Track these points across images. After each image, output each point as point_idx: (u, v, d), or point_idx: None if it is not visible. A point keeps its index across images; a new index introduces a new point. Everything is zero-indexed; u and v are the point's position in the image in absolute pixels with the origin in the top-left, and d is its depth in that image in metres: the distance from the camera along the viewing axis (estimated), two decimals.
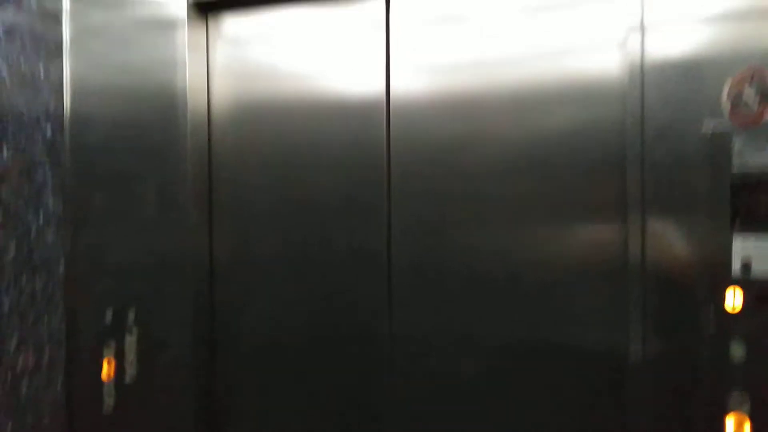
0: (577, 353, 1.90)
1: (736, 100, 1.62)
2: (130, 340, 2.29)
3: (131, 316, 2.28)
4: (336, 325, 2.19)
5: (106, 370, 2.30)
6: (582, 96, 1.87)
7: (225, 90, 2.34)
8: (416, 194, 2.06)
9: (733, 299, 1.63)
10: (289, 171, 2.23)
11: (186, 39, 2.25)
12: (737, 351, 1.63)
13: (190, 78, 2.26)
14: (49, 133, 2.33)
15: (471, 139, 1.99)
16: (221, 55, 2.35)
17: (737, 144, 1.62)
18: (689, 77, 1.67)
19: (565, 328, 1.91)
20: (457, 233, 2.02)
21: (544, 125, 1.91)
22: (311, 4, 2.21)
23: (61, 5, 2.36)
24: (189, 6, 2.25)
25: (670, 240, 1.69)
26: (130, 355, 2.28)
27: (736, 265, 1.62)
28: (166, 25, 2.27)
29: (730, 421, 1.64)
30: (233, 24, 2.34)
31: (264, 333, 2.30)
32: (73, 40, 2.38)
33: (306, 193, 2.21)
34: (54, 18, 2.35)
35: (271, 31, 2.28)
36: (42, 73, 2.31)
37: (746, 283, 1.61)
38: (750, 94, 1.61)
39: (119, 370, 2.29)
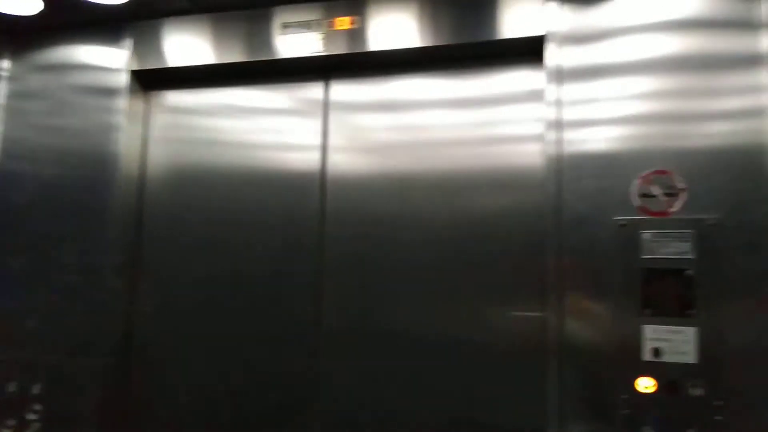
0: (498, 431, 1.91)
1: (645, 195, 1.75)
2: (31, 418, 2.15)
3: (35, 390, 2.16)
4: (264, 399, 2.14)
5: None
6: (506, 183, 1.98)
7: (161, 158, 2.35)
8: (348, 268, 2.09)
9: (645, 383, 1.69)
10: (221, 240, 2.23)
11: (124, 107, 2.27)
12: None
13: (126, 144, 2.27)
14: None
15: (402, 218, 2.06)
16: (160, 124, 2.38)
17: (646, 235, 1.73)
18: (602, 172, 1.79)
19: (485, 406, 1.93)
20: (387, 309, 2.05)
21: (470, 208, 2.00)
22: (254, 87, 2.29)
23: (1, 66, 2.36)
24: (130, 77, 2.28)
25: (585, 324, 1.76)
26: None
27: (646, 350, 1.70)
28: (106, 93, 2.30)
29: None
30: (175, 97, 2.39)
31: (182, 418, 2.21)
32: (9, 101, 2.36)
33: (237, 264, 2.20)
34: None
35: (212, 106, 2.33)
36: None
37: (656, 367, 1.69)
38: (657, 190, 1.74)
39: None
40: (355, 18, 2.06)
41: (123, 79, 2.28)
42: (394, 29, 2.02)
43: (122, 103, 2.28)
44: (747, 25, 1.73)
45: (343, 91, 2.18)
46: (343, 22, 2.06)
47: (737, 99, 1.71)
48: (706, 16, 1.77)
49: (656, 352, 1.68)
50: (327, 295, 2.09)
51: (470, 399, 1.93)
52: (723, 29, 1.75)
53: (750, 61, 1.71)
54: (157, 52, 2.27)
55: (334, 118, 2.17)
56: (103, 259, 2.20)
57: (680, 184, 1.71)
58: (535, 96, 1.95)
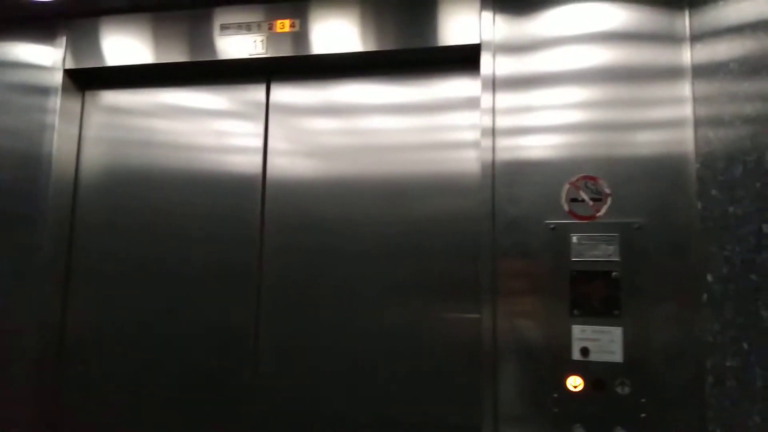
0: (434, 430, 1.93)
1: (574, 200, 1.81)
2: None
3: None
4: (199, 402, 2.10)
5: None
6: (445, 188, 2.02)
7: (97, 159, 2.30)
8: (287, 271, 2.08)
9: (573, 381, 1.74)
10: (159, 241, 2.19)
11: (58, 107, 2.21)
12: (577, 430, 1.73)
13: (59, 145, 2.21)
14: None
15: (342, 220, 2.06)
16: (96, 124, 2.32)
17: (574, 238, 1.79)
18: (534, 178, 1.85)
19: (423, 407, 1.95)
20: (326, 311, 2.04)
21: (409, 212, 2.03)
22: (194, 88, 2.26)
23: None
24: (65, 77, 2.23)
25: (518, 325, 1.80)
26: None
27: (575, 350, 1.75)
28: (39, 92, 2.24)
29: None
30: (111, 97, 2.34)
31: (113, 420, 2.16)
32: None
33: (174, 266, 2.16)
34: None
35: (150, 107, 2.29)
36: None
37: (584, 366, 1.74)
38: (585, 195, 1.81)
39: None
40: (296, 21, 2.07)
41: (57, 78, 2.23)
42: (335, 33, 2.04)
43: (56, 102, 2.21)
44: (670, 38, 1.82)
45: (284, 94, 2.18)
46: (284, 25, 2.07)
47: (661, 110, 1.79)
48: (632, 29, 1.85)
49: (584, 351, 1.73)
50: (265, 301, 2.07)
51: (409, 399, 1.94)
52: (648, 42, 1.83)
53: (673, 73, 1.80)
54: (94, 50, 2.22)
55: (274, 121, 2.16)
56: (35, 263, 2.13)
57: (606, 189, 1.78)
58: (473, 104, 1.99)
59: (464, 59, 2.00)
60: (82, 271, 2.24)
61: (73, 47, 2.24)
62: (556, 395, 1.75)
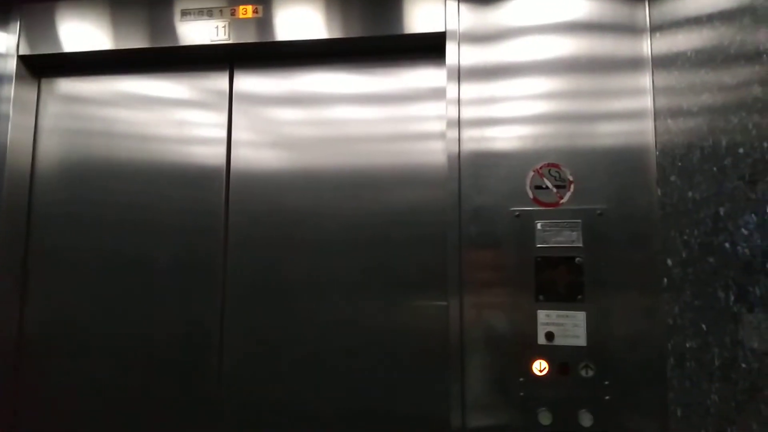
0: (403, 420, 1.93)
1: (538, 187, 1.83)
2: None
3: None
4: (164, 398, 2.06)
5: None
6: (410, 179, 2.02)
7: (54, 148, 2.23)
8: (253, 263, 2.06)
9: (539, 365, 1.77)
10: (119, 235, 2.14)
11: (12, 95, 2.13)
12: (545, 415, 1.75)
13: (14, 135, 2.13)
14: None
15: (308, 212, 2.05)
16: (52, 113, 2.25)
17: (539, 225, 1.81)
18: (499, 167, 1.87)
19: (392, 396, 1.95)
20: (292, 303, 2.02)
21: (376, 203, 2.02)
22: (154, 75, 2.21)
23: None
24: (19, 63, 2.15)
25: (484, 312, 1.82)
26: None
27: (541, 335, 1.78)
28: None
29: None
30: (68, 85, 2.26)
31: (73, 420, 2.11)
32: None
33: (137, 259, 2.11)
34: None
35: (109, 95, 2.23)
36: None
37: (549, 350, 1.77)
38: (549, 182, 1.83)
39: None
40: (260, 6, 2.04)
41: (10, 65, 2.15)
42: (300, 20, 2.02)
43: (10, 90, 2.13)
44: (631, 29, 1.85)
45: (248, 82, 2.14)
46: (247, 11, 2.03)
47: (622, 101, 1.82)
48: (594, 20, 1.87)
49: (549, 336, 1.76)
50: (230, 293, 2.04)
51: (376, 390, 1.94)
52: (609, 33, 1.86)
53: (634, 64, 1.83)
54: (49, 36, 2.15)
55: (238, 111, 2.12)
56: None
57: (570, 177, 1.81)
58: (439, 94, 2.00)
59: (430, 48, 2.01)
60: (40, 265, 2.17)
61: (28, 32, 2.16)
62: (522, 380, 1.77)
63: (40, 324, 2.16)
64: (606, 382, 1.73)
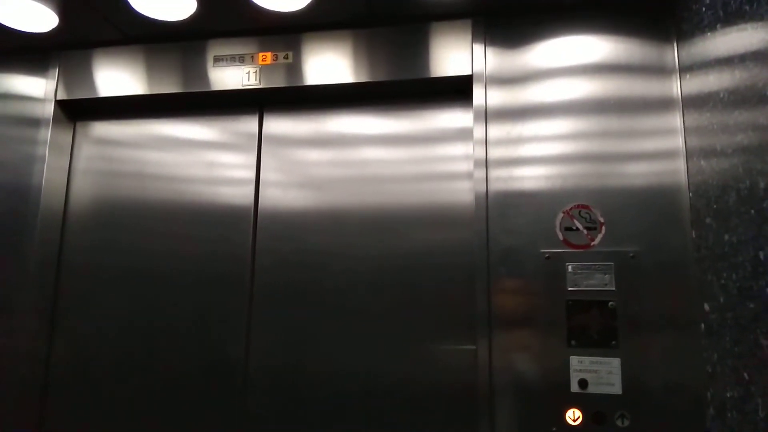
0: None
1: (568, 229, 1.80)
2: None
3: None
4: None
5: None
6: (437, 220, 2.00)
7: (87, 190, 2.27)
8: (278, 304, 2.04)
9: (572, 414, 1.71)
10: (147, 275, 2.15)
11: (48, 138, 2.19)
12: None
13: (49, 176, 2.19)
14: None
15: (334, 252, 2.04)
16: (87, 155, 2.31)
17: (570, 267, 1.78)
18: (527, 207, 1.84)
19: None
20: (317, 345, 2.00)
21: (402, 244, 2.00)
22: (186, 119, 2.26)
23: None
24: (56, 107, 2.22)
25: (514, 356, 1.77)
26: None
27: (573, 382, 1.72)
28: (30, 124, 2.23)
29: None
30: (102, 128, 2.33)
31: None
32: None
33: (164, 301, 2.12)
34: None
35: (142, 138, 2.28)
36: None
37: (583, 398, 1.71)
38: (579, 224, 1.80)
39: None
40: (289, 53, 2.08)
41: (48, 109, 2.22)
42: (327, 64, 2.05)
43: (47, 134, 2.20)
44: (659, 70, 1.85)
45: (276, 125, 2.18)
46: (277, 57, 2.08)
47: (653, 141, 1.80)
48: (621, 62, 1.87)
49: (583, 383, 1.70)
50: (255, 333, 2.03)
51: None
52: (638, 74, 1.86)
53: (664, 104, 1.82)
54: (85, 81, 2.22)
55: (267, 152, 2.15)
56: (21, 298, 2.08)
57: (600, 218, 1.78)
58: (465, 135, 2.00)
59: (456, 90, 2.02)
60: (69, 307, 2.19)
61: (65, 78, 2.24)
62: (554, 429, 1.71)
63: (66, 364, 2.17)
64: None
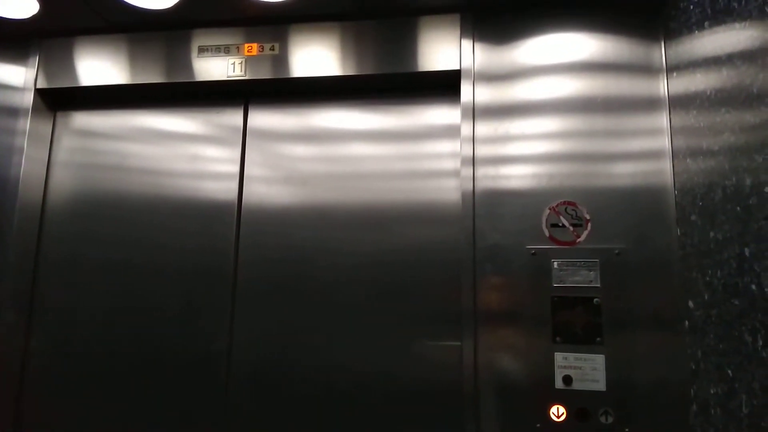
0: None
1: (554, 225, 1.80)
2: None
3: None
4: None
5: None
6: (423, 216, 1.99)
7: (67, 181, 2.23)
8: (262, 299, 2.02)
9: (557, 411, 1.71)
10: (128, 270, 2.11)
11: (27, 128, 2.14)
12: None
13: (27, 168, 2.14)
14: None
15: (319, 248, 2.02)
16: (67, 147, 2.26)
17: (555, 264, 1.78)
18: (514, 204, 1.84)
19: None
20: (301, 341, 1.97)
21: (389, 240, 1.99)
22: (169, 110, 2.22)
23: None
24: (36, 97, 2.17)
25: (500, 353, 1.77)
26: None
27: (558, 378, 1.72)
28: (8, 113, 2.18)
29: None
30: (83, 119, 2.28)
31: None
32: None
33: (145, 295, 2.08)
34: None
35: (124, 129, 2.24)
36: None
37: (567, 395, 1.71)
38: (565, 220, 1.80)
39: None
40: (276, 44, 2.06)
41: (27, 98, 2.17)
42: (315, 57, 2.03)
43: (26, 123, 2.14)
44: (647, 69, 1.85)
45: (262, 118, 2.15)
46: (263, 47, 2.05)
47: (639, 140, 1.81)
48: (609, 60, 1.88)
49: (567, 379, 1.70)
50: (238, 327, 2.00)
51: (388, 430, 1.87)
52: (625, 73, 1.86)
53: (650, 103, 1.83)
54: (66, 70, 2.17)
55: (252, 146, 2.12)
56: None
57: (586, 215, 1.78)
58: (453, 131, 1.99)
59: (444, 86, 2.01)
60: (47, 300, 2.14)
61: (46, 66, 2.19)
62: (538, 426, 1.71)
63: (43, 358, 2.12)
64: (626, 429, 1.67)
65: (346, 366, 1.93)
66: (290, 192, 2.07)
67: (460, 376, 1.77)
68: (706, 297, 1.52)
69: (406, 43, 1.99)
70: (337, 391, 1.92)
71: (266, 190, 2.08)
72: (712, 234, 1.48)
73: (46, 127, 2.24)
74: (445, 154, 2.01)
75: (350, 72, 2.00)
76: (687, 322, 1.64)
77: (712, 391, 1.48)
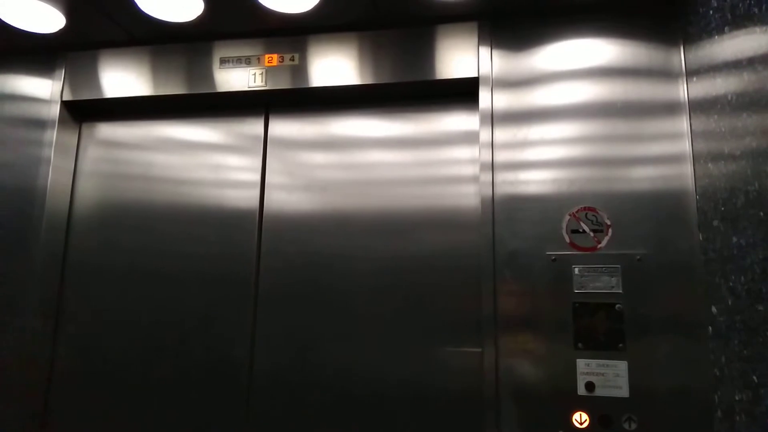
0: None
1: (575, 231, 1.80)
2: None
3: None
4: None
5: None
6: (443, 223, 2.00)
7: (92, 191, 2.27)
8: (283, 306, 2.04)
9: (579, 417, 1.70)
10: (152, 277, 2.14)
11: (54, 139, 2.19)
12: None
13: (54, 178, 2.19)
14: None
15: (339, 255, 2.04)
16: (92, 157, 2.30)
17: (576, 270, 1.77)
18: (534, 210, 1.84)
19: None
20: (322, 347, 1.99)
21: (408, 246, 2.00)
22: (191, 121, 2.26)
23: None
24: (62, 109, 2.22)
25: (521, 359, 1.77)
26: None
27: (580, 384, 1.71)
28: (36, 125, 2.23)
29: None
30: (108, 129, 2.33)
31: None
32: None
33: (168, 302, 2.12)
34: None
35: (147, 140, 2.28)
36: None
37: (590, 401, 1.70)
38: (586, 226, 1.80)
39: None
40: (295, 54, 2.08)
41: (54, 111, 2.22)
42: (333, 66, 2.05)
43: (52, 135, 2.19)
44: (666, 74, 1.85)
45: (282, 127, 2.18)
46: (283, 58, 2.08)
47: (659, 144, 1.80)
48: (628, 65, 1.87)
49: (590, 386, 1.70)
50: (260, 334, 2.02)
51: None
52: (644, 77, 1.86)
53: (670, 108, 1.82)
54: (91, 83, 2.22)
55: (272, 155, 2.15)
56: (26, 298, 2.08)
57: (607, 221, 1.78)
58: (471, 138, 2.00)
59: (462, 93, 2.02)
60: (74, 308, 2.18)
61: (71, 79, 2.24)
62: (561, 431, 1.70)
63: (70, 364, 2.16)
64: None
65: (366, 372, 1.94)
66: (310, 199, 2.09)
67: (481, 382, 1.77)
68: (729, 303, 1.51)
69: (424, 51, 2.00)
70: (358, 398, 1.93)
71: (287, 197, 2.11)
72: (735, 239, 1.47)
73: (72, 138, 2.28)
74: (464, 160, 2.01)
75: (369, 81, 2.02)
76: (710, 328, 1.63)
77: (736, 398, 1.47)
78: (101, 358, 2.13)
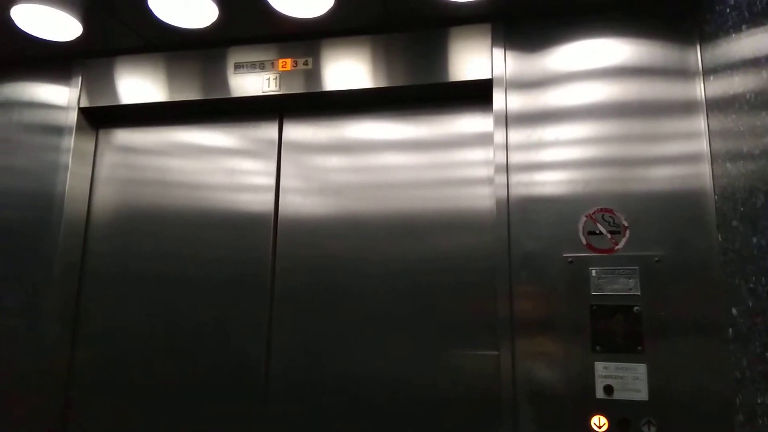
0: None
1: (591, 233, 1.79)
2: None
3: None
4: None
5: None
6: (458, 225, 1.99)
7: (109, 196, 2.30)
8: (298, 309, 2.04)
9: (598, 421, 1.68)
10: (169, 281, 2.16)
11: (71, 146, 2.22)
12: None
13: (72, 183, 2.21)
14: None
15: (354, 258, 2.04)
16: (109, 163, 2.33)
17: (593, 272, 1.76)
18: (549, 211, 1.83)
19: None
20: (337, 349, 1.99)
21: (423, 249, 1.99)
22: (207, 126, 2.27)
23: None
24: (79, 115, 2.25)
25: (538, 362, 1.75)
26: None
27: (599, 388, 1.70)
28: (53, 131, 2.26)
29: None
30: (124, 135, 2.35)
31: None
32: None
33: (185, 306, 2.13)
34: None
35: (163, 145, 2.30)
36: None
37: (608, 404, 1.68)
38: (602, 228, 1.78)
39: None
40: (309, 59, 2.09)
41: (71, 117, 2.24)
42: (347, 70, 2.06)
43: (70, 141, 2.22)
44: (683, 73, 1.83)
45: (296, 131, 2.18)
46: (297, 63, 2.09)
47: (677, 144, 1.78)
48: (644, 64, 1.86)
49: (608, 389, 1.68)
50: (276, 337, 2.03)
51: None
52: (660, 77, 1.84)
53: (687, 107, 1.80)
54: (108, 89, 2.24)
55: (287, 159, 2.16)
56: (45, 303, 2.11)
57: (624, 222, 1.76)
58: (486, 139, 1.99)
59: (476, 95, 2.01)
60: (92, 312, 2.21)
61: (88, 86, 2.27)
62: None
63: (89, 368, 2.18)
64: None
65: (381, 374, 1.94)
66: (325, 203, 2.09)
67: (497, 385, 1.76)
68: (750, 304, 1.49)
69: (438, 53, 2.00)
70: (374, 400, 1.93)
71: (301, 201, 2.11)
72: (755, 239, 1.45)
73: (89, 145, 2.31)
74: (478, 162, 2.01)
75: (382, 84, 2.02)
76: (731, 330, 1.61)
77: (759, 401, 1.45)
78: (119, 362, 2.14)
